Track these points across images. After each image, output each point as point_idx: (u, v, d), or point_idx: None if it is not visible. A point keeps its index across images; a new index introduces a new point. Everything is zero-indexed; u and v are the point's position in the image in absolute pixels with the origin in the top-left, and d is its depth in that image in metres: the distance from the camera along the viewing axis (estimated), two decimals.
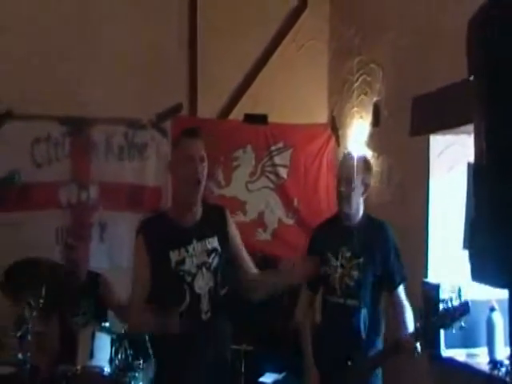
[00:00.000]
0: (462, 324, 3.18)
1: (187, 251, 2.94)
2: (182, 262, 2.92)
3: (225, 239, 3.05)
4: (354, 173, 3.49)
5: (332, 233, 3.61)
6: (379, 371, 3.56)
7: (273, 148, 5.68)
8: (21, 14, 5.39)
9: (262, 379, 4.19)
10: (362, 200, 3.55)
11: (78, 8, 5.50)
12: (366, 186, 3.55)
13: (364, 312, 3.49)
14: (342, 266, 3.52)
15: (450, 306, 3.17)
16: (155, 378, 3.19)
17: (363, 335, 3.48)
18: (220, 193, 5.47)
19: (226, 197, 5.45)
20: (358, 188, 3.51)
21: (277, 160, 5.68)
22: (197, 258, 2.94)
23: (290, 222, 5.63)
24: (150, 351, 3.97)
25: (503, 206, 1.63)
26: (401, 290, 3.57)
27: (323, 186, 5.66)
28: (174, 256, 2.92)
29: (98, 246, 5.09)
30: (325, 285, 3.60)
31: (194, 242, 2.96)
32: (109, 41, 5.52)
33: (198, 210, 3.02)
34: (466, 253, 1.78)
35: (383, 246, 3.55)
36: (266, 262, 5.25)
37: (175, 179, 3.11)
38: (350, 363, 3.39)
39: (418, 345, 3.25)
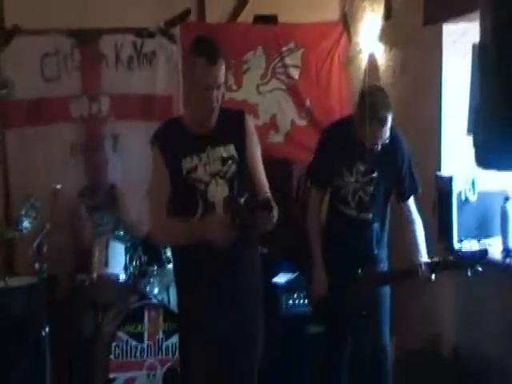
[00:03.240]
0: (479, 269, 3.22)
1: (200, 159, 2.78)
2: (193, 169, 2.77)
3: (243, 147, 2.85)
4: (388, 113, 3.32)
5: (346, 146, 3.49)
6: (388, 290, 3.59)
7: (284, 49, 5.52)
8: None
9: (275, 279, 4.23)
10: None
11: None
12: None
13: (376, 227, 3.51)
14: (356, 181, 3.50)
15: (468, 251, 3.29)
16: (178, 288, 3.02)
17: (375, 250, 3.49)
18: (231, 96, 5.34)
19: (236, 100, 5.35)
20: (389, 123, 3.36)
21: (288, 61, 5.52)
22: (210, 166, 2.78)
23: (303, 122, 5.53)
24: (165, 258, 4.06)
25: (508, 85, 1.57)
26: (411, 202, 3.55)
27: (335, 85, 5.52)
28: (186, 164, 2.77)
29: (112, 158, 5.08)
30: (336, 195, 3.57)
31: (208, 149, 2.79)
32: None
33: (215, 117, 2.82)
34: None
35: (397, 159, 3.51)
36: (280, 166, 5.23)
37: (189, 101, 2.86)
38: (360, 272, 3.41)
39: (432, 276, 3.33)
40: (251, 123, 2.96)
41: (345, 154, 3.49)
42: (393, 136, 3.47)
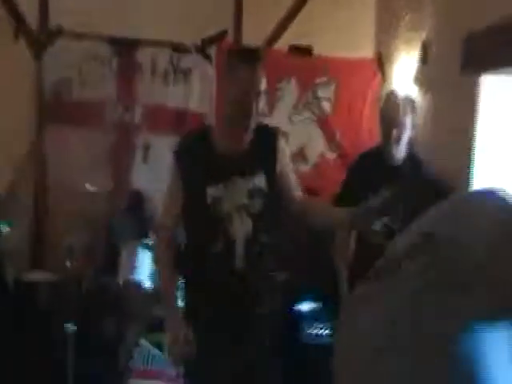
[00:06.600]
0: None
1: (226, 188, 2.60)
2: (218, 200, 2.59)
3: (273, 173, 2.70)
4: (405, 115, 3.48)
5: (373, 170, 3.56)
6: None
7: (317, 81, 5.63)
8: None
9: (298, 307, 4.25)
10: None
11: None
12: (414, 126, 3.56)
13: None
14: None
15: None
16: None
17: None
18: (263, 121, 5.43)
19: None
20: (408, 130, 3.51)
21: (320, 93, 5.63)
22: (236, 199, 2.61)
23: (333, 155, 5.62)
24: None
25: None
26: None
27: (366, 121, 5.61)
28: (211, 191, 2.59)
29: (141, 167, 5.15)
30: None
31: (236, 178, 2.62)
32: None
33: (248, 136, 2.67)
34: None
35: (424, 185, 3.54)
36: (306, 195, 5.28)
37: (225, 106, 2.69)
38: None
39: None
40: (283, 144, 2.83)
41: (371, 176, 3.50)
42: (420, 162, 3.63)
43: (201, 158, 2.64)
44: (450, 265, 1.23)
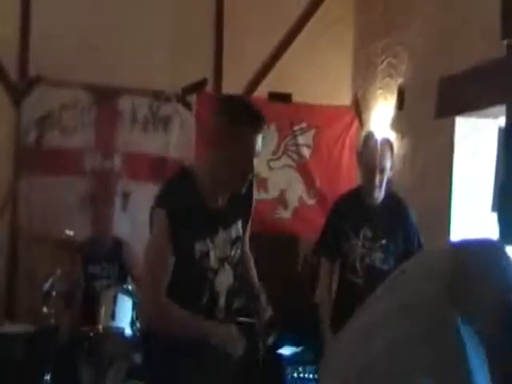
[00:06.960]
0: None
1: (213, 242, 2.52)
2: (206, 255, 2.50)
3: (248, 220, 2.69)
4: (385, 159, 3.54)
5: (353, 210, 3.63)
6: None
7: (296, 127, 5.71)
8: None
9: (280, 351, 4.22)
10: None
11: None
12: (392, 168, 3.64)
13: None
14: (363, 245, 3.55)
15: None
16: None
17: None
18: None
19: None
20: (388, 173, 3.59)
21: (300, 140, 5.71)
22: (220, 251, 2.54)
23: (312, 201, 5.67)
24: None
25: None
26: None
27: (345, 167, 5.69)
28: (199, 246, 2.48)
29: (120, 215, 5.13)
30: (344, 262, 3.62)
31: (221, 230, 2.55)
32: (139, 13, 5.57)
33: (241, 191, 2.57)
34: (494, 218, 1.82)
35: (404, 224, 3.60)
36: (287, 242, 5.33)
37: (220, 167, 2.48)
38: None
39: None
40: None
41: (351, 216, 3.59)
42: (398, 201, 3.69)
43: (190, 211, 2.46)
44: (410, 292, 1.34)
